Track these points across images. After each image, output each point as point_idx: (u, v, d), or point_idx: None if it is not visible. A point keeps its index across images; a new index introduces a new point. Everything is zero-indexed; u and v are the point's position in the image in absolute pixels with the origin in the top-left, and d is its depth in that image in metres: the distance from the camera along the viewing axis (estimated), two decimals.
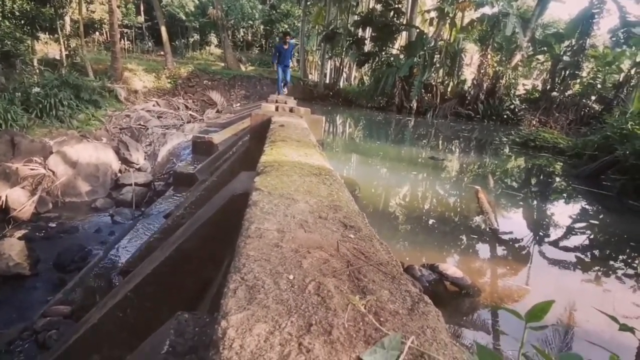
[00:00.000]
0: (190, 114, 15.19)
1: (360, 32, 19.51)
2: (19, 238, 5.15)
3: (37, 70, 11.65)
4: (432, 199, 6.01)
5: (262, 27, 39.03)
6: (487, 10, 14.41)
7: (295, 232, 0.94)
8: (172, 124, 12.96)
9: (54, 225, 5.78)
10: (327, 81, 24.11)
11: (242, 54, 37.00)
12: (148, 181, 7.63)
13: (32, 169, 6.94)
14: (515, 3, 13.97)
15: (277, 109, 5.06)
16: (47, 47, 15.41)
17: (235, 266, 0.73)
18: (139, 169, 8.67)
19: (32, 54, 12.31)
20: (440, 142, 11.42)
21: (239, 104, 16.78)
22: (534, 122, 14.07)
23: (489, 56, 14.57)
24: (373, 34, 18.21)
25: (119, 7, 28.98)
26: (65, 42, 13.83)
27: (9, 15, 10.50)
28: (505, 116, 14.54)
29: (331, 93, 20.74)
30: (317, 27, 25.68)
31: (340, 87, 22.67)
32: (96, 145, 7.92)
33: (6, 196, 6.01)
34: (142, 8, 37.36)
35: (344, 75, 25.63)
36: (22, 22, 10.89)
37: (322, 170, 1.69)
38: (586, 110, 14.52)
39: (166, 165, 8.90)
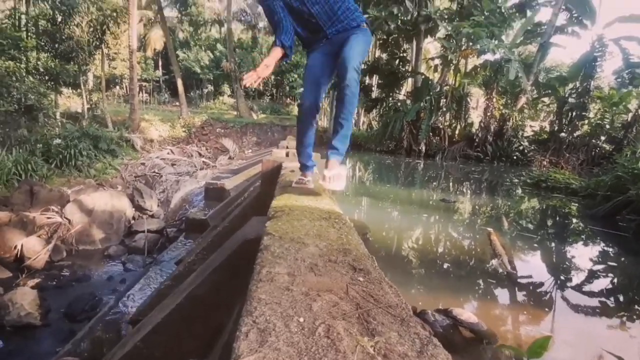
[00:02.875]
0: (204, 161, 15.59)
1: (367, 80, 20.29)
2: (32, 287, 5.17)
3: (59, 123, 12.22)
4: (445, 242, 5.93)
5: (272, 77, 40.86)
6: (489, 56, 14.94)
7: (306, 275, 0.96)
8: (185, 171, 13.29)
9: (66, 273, 5.82)
10: None
11: (253, 103, 38.47)
12: (161, 228, 7.71)
13: (48, 218, 7.10)
14: (517, 50, 14.49)
15: (287, 154, 5.20)
16: (69, 101, 16.32)
17: (247, 309, 0.75)
18: (152, 216, 8.80)
19: (55, 107, 13.00)
20: (450, 184, 11.40)
21: (250, 151, 17.21)
22: (544, 163, 14.05)
23: (494, 99, 14.90)
24: (380, 81, 18.95)
25: (138, 62, 30.82)
26: (88, 97, 14.65)
27: (33, 71, 11.20)
28: (514, 157, 14.57)
29: None
30: None
31: None
32: (112, 193, 8.12)
33: (22, 245, 6.11)
34: (160, 63, 39.69)
35: (353, 120, 26.29)
36: (47, 77, 11.62)
37: (332, 214, 1.73)
38: (597, 151, 14.48)
39: (179, 212, 9.02)
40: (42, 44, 11.82)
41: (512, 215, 7.75)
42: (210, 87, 40.72)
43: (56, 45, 11.87)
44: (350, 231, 1.46)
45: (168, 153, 15.47)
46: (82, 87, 13.77)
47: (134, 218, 8.37)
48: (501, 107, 15.09)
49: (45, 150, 10.77)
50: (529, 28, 15.41)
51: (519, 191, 10.03)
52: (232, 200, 7.00)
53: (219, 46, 39.42)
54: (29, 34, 11.43)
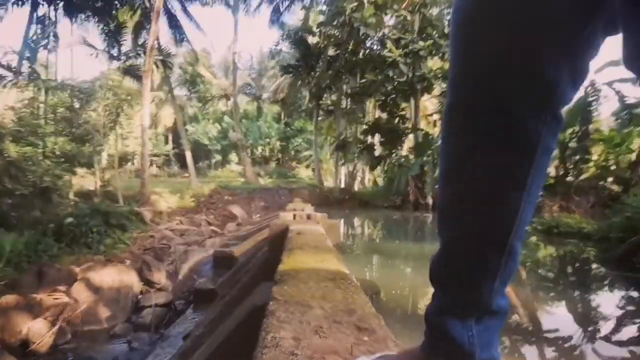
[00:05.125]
0: (212, 229, 15.58)
1: (369, 139, 20.93)
2: None
3: (72, 202, 12.48)
4: None
5: (278, 143, 42.36)
6: None
7: (310, 338, 0.94)
8: (194, 240, 13.23)
9: (70, 356, 5.60)
10: (342, 186, 25.01)
11: (260, 169, 39.41)
12: (168, 301, 7.52)
13: (55, 299, 6.99)
14: None
15: (294, 217, 5.22)
16: (83, 180, 16.84)
17: None
18: (160, 289, 8.61)
19: (69, 187, 13.37)
20: None
21: (258, 215, 17.27)
22: (555, 208, 13.85)
23: None
24: (382, 140, 19.52)
25: (150, 139, 32.24)
26: (101, 175, 15.16)
27: (50, 154, 11.68)
28: None
29: (347, 197, 21.32)
30: (328, 138, 27.75)
31: (355, 191, 23.41)
32: (119, 269, 8.04)
33: (28, 329, 5.96)
34: (170, 137, 41.53)
35: (358, 178, 26.70)
36: (62, 160, 12.09)
37: (338, 275, 1.70)
38: (606, 193, 14.32)
39: (187, 282, 8.84)
40: (60, 129, 12.52)
41: (529, 265, 7.48)
42: (218, 157, 42.11)
43: (73, 130, 12.56)
44: (357, 290, 1.44)
45: (177, 224, 15.54)
46: (96, 166, 14.31)
47: (141, 292, 8.19)
48: None
49: (57, 229, 10.85)
50: None
51: (533, 238, 9.75)
52: (241, 266, 6.90)
53: (226, 118, 41.42)
54: (47, 120, 12.16)
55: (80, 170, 15.81)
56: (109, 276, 7.64)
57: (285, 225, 3.52)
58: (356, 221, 15.47)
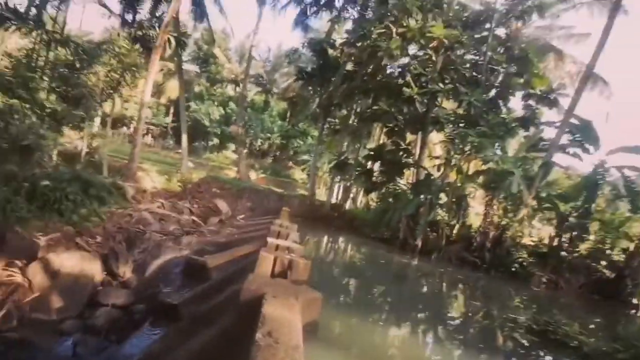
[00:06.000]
0: (193, 219, 15.02)
1: (369, 164, 20.60)
2: None
3: (53, 165, 11.85)
4: None
5: (279, 140, 41.87)
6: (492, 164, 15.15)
7: None
8: (171, 231, 12.68)
9: (6, 349, 5.08)
10: (334, 200, 24.62)
11: (256, 161, 38.89)
12: (127, 303, 7.00)
13: (9, 276, 6.45)
14: (521, 165, 14.76)
15: (275, 261, 4.76)
16: (69, 144, 16.13)
17: None
18: (124, 283, 8.10)
19: (53, 149, 12.71)
20: (442, 314, 10.04)
21: (242, 216, 16.74)
22: (543, 280, 13.59)
23: (494, 206, 14.87)
24: (381, 168, 19.18)
25: (150, 107, 31.62)
26: (89, 142, 14.51)
27: (38, 110, 11.00)
28: (513, 269, 14.06)
29: (336, 214, 20.93)
30: (328, 153, 27.48)
31: (346, 209, 23.02)
32: (83, 255, 7.49)
33: None
34: (171, 110, 40.80)
35: (351, 196, 26.33)
36: (50, 119, 11.41)
37: None
38: (597, 275, 14.12)
39: (152, 283, 8.30)
40: (55, 86, 11.84)
41: None
42: (216, 141, 41.39)
43: (68, 89, 11.90)
44: None
45: (158, 207, 14.96)
46: (85, 131, 13.65)
47: (102, 284, 7.67)
48: (501, 215, 15.00)
49: (31, 190, 10.23)
50: (532, 143, 15.96)
51: (526, 342, 8.29)
52: (210, 289, 6.42)
53: (231, 104, 40.83)
54: (44, 75, 11.47)
55: (68, 132, 15.15)
56: (69, 261, 7.11)
57: (259, 293, 3.08)
58: (340, 245, 14.99)
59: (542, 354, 8.04)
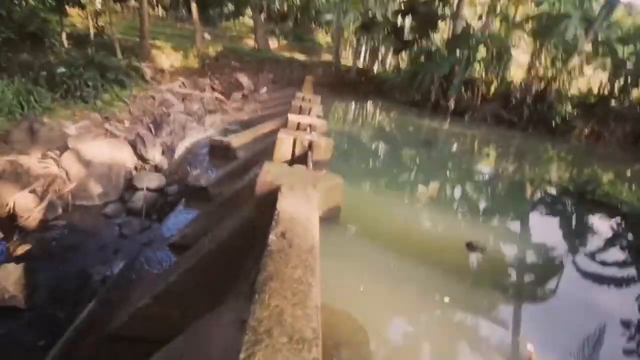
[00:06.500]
0: (216, 97, 14.74)
1: (400, 21, 18.20)
2: (21, 255, 4.94)
3: (65, 49, 11.38)
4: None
5: None
6: (546, 6, 12.80)
7: None
8: (195, 110, 12.57)
9: (59, 238, 5.54)
10: (361, 65, 23.02)
11: (275, 27, 35.93)
12: (161, 185, 7.32)
13: (45, 168, 6.71)
14: (581, 3, 12.28)
15: (294, 143, 4.50)
16: (76, 20, 15.16)
17: None
18: (155, 167, 8.39)
19: (61, 29, 12.00)
20: (473, 179, 9.41)
21: (265, 89, 16.15)
22: (585, 132, 12.69)
23: (542, 57, 13.13)
24: (414, 23, 16.90)
25: None
26: (94, 20, 13.50)
27: None
28: (553, 125, 13.00)
29: (364, 79, 19.76)
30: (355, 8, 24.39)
31: (374, 73, 21.58)
32: (112, 143, 7.64)
33: (14, 202, 5.79)
34: None
35: (379, 57, 24.37)
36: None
37: None
38: None
39: (182, 165, 8.56)
40: None
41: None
42: (231, 7, 37.77)
43: None
44: None
45: (180, 86, 14.65)
46: (89, 8, 12.57)
47: (135, 168, 7.99)
48: (549, 66, 13.31)
49: (50, 79, 10.08)
50: None
51: (568, 208, 7.71)
52: (236, 170, 6.46)
53: None
54: None
55: (72, 13, 14.08)
56: (101, 149, 7.28)
57: (274, 186, 2.88)
58: (368, 111, 14.35)
59: (583, 210, 7.50)
